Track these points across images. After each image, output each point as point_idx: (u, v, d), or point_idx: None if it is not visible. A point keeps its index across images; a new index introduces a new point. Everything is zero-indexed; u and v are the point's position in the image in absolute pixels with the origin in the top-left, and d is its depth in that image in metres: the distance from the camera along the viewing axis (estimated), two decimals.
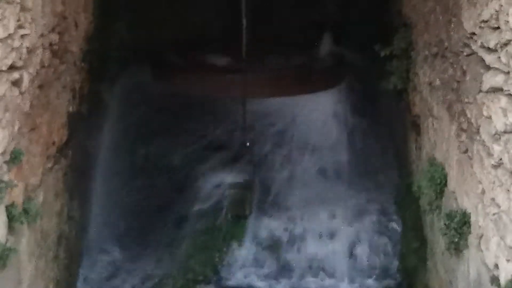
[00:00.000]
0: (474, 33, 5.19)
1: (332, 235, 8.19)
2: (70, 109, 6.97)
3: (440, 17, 6.25)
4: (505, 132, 4.53)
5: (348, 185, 8.72)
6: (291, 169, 8.79)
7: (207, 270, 7.94)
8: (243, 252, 8.16)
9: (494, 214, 4.76)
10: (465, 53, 5.44)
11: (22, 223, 5.38)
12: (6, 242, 5.04)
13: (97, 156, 8.10)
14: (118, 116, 8.50)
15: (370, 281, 8.00)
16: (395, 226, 8.19)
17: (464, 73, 5.49)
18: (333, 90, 9.15)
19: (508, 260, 4.48)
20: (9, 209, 5.14)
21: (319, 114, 9.04)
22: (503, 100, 4.55)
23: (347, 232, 8.23)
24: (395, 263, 8.04)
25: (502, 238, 4.59)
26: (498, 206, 4.67)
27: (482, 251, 5.01)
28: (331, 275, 7.98)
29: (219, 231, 8.29)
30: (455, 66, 5.78)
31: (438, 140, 6.39)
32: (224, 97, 8.90)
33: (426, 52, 6.87)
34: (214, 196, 8.48)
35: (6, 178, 5.03)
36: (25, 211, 5.47)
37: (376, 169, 8.70)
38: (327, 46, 9.64)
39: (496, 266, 4.70)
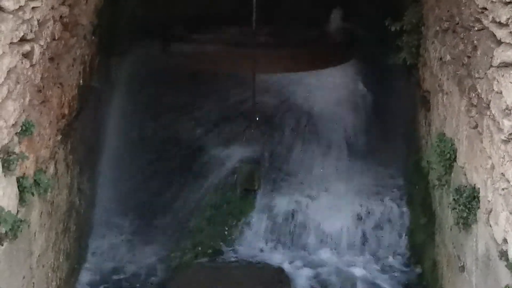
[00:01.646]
0: (485, 8, 5.18)
1: (339, 210, 8.16)
2: (81, 82, 6.98)
3: None
4: None
5: (356, 160, 8.70)
6: (300, 144, 8.77)
7: (216, 243, 7.95)
8: (253, 225, 8.16)
9: (503, 189, 4.76)
10: (476, 28, 5.43)
11: (33, 195, 5.39)
12: (17, 214, 5.05)
13: (107, 129, 8.13)
14: (127, 90, 8.51)
15: (378, 256, 7.99)
16: (404, 201, 8.17)
17: (475, 48, 5.47)
18: (342, 66, 9.14)
19: None
20: (20, 180, 5.14)
21: (329, 89, 9.02)
22: None
23: (355, 207, 8.20)
24: (404, 238, 8.04)
25: (510, 212, 4.59)
26: (508, 181, 4.67)
27: (490, 226, 5.02)
28: (339, 249, 7.99)
29: (229, 205, 8.30)
30: (466, 41, 5.76)
31: (448, 115, 6.39)
32: (234, 72, 8.88)
33: (437, 27, 6.85)
34: (224, 170, 8.47)
35: (17, 150, 5.03)
36: (36, 183, 5.49)
37: (385, 144, 8.67)
38: (337, 22, 9.64)
39: (505, 240, 4.71)
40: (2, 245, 4.81)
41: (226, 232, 8.07)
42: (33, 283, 5.67)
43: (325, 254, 7.92)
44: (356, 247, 8.05)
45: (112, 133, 8.17)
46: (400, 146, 8.38)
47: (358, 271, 7.70)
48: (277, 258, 7.84)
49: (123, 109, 8.37)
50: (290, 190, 8.42)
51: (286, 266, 7.62)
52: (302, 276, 7.54)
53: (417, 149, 7.67)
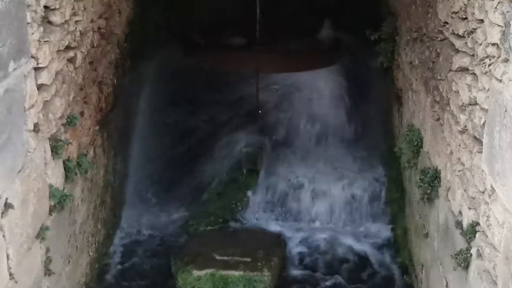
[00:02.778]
0: (446, 22, 5.23)
1: (329, 186, 8.14)
2: (115, 81, 7.00)
3: (420, 8, 6.24)
4: (469, 104, 4.59)
5: (343, 146, 8.65)
6: (296, 132, 8.73)
7: (226, 214, 7.94)
8: (256, 199, 8.14)
9: (459, 171, 4.83)
10: (439, 38, 5.47)
11: (76, 174, 5.50)
12: (63, 190, 5.16)
13: (136, 120, 8.11)
14: (153, 87, 8.45)
15: (362, 224, 7.97)
16: (381, 179, 8.14)
17: (438, 55, 5.51)
18: (331, 67, 9.05)
19: (469, 208, 4.55)
20: (65, 162, 5.24)
21: (319, 87, 8.94)
22: (469, 78, 4.60)
23: (342, 184, 8.17)
24: (382, 210, 8.01)
25: (465, 190, 4.66)
26: (463, 164, 4.73)
27: (449, 201, 5.09)
28: (327, 218, 7.96)
29: (236, 182, 8.30)
30: (431, 49, 5.79)
31: (416, 109, 6.41)
32: (241, 72, 8.81)
33: (408, 37, 6.86)
34: (232, 153, 8.46)
35: (63, 137, 5.14)
36: (79, 165, 5.58)
37: (367, 133, 8.60)
38: (327, 30, 9.57)
39: (460, 213, 4.78)
40: (52, 215, 4.93)
41: (233, 205, 8.06)
42: (76, 246, 5.77)
43: (315, 223, 7.90)
44: (341, 217, 7.99)
45: (140, 123, 8.16)
46: (378, 134, 8.32)
47: (343, 237, 7.68)
48: (275, 225, 7.84)
49: (150, 103, 8.34)
50: (287, 170, 8.38)
51: (282, 232, 7.62)
52: (295, 239, 7.54)
53: (392, 137, 7.68)
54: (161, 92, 8.50)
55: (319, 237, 7.67)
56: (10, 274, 4.12)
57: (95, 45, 6.11)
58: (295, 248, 7.41)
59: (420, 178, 5.80)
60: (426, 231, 5.89)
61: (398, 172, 7.23)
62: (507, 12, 3.76)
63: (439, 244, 5.43)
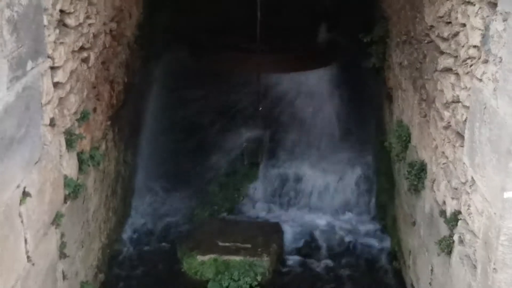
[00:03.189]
0: (432, 26, 5.26)
1: (323, 178, 8.17)
2: (125, 80, 7.03)
3: (408, 13, 6.27)
4: (453, 102, 4.64)
5: (337, 141, 8.64)
6: (293, 128, 8.73)
7: (228, 204, 7.98)
8: (256, 190, 8.20)
9: (443, 163, 4.88)
10: (426, 41, 5.50)
11: (89, 165, 5.53)
12: (77, 180, 5.21)
13: (145, 116, 8.13)
14: (161, 86, 8.47)
15: (354, 213, 8.01)
16: (373, 172, 8.15)
17: (424, 56, 5.55)
18: (328, 67, 9.00)
19: (452, 198, 4.61)
20: (79, 155, 5.29)
21: (316, 86, 8.90)
22: (452, 78, 4.65)
23: (336, 176, 8.21)
24: (373, 201, 8.05)
25: (448, 181, 4.72)
26: (447, 157, 4.79)
27: (434, 191, 5.15)
28: (321, 208, 8.01)
29: (238, 174, 8.33)
30: (418, 50, 5.82)
31: (405, 107, 6.44)
32: (243, 72, 8.80)
33: (398, 39, 6.88)
34: (234, 147, 8.48)
35: (77, 131, 5.18)
36: (91, 157, 5.61)
37: (359, 129, 8.57)
38: (323, 33, 9.53)
39: (444, 202, 4.84)
40: (66, 203, 4.98)
41: (235, 195, 8.09)
42: (89, 232, 5.80)
43: (311, 212, 7.94)
44: (335, 207, 8.05)
45: (149, 119, 8.17)
46: (370, 130, 8.33)
47: (336, 225, 7.72)
48: (275, 214, 7.90)
49: (158, 100, 8.35)
50: (285, 163, 8.42)
51: (281, 220, 7.65)
52: (292, 227, 7.57)
53: (382, 133, 7.68)
54: (169, 90, 8.49)
55: (314, 225, 7.71)
56: (28, 257, 4.18)
57: (107, 46, 6.14)
58: (291, 235, 7.43)
59: (407, 171, 5.84)
60: (413, 219, 5.94)
61: (388, 165, 7.24)
62: (487, 16, 3.82)
63: (425, 231, 5.48)
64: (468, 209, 4.21)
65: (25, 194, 4.06)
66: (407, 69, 6.36)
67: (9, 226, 3.84)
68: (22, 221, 4.04)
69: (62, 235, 4.88)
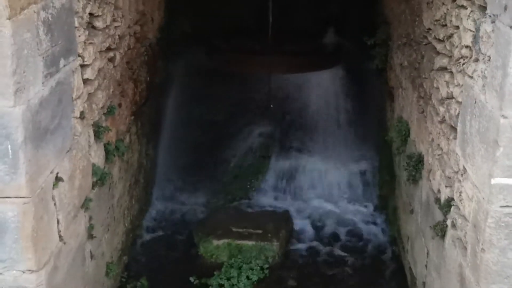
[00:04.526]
0: (430, 29, 5.34)
1: (329, 171, 8.28)
2: (147, 79, 7.13)
3: (408, 17, 6.35)
4: (447, 98, 4.73)
5: (342, 137, 8.72)
6: (301, 124, 8.83)
7: (241, 193, 8.09)
8: (267, 181, 8.29)
9: (438, 155, 4.97)
10: (424, 43, 5.58)
11: (114, 156, 5.66)
12: (104, 168, 5.33)
13: (166, 112, 8.23)
14: (180, 85, 8.54)
15: (358, 204, 8.09)
16: (375, 165, 8.23)
17: (422, 57, 5.63)
18: (334, 69, 9.03)
19: (446, 186, 4.70)
20: (106, 146, 5.41)
21: (323, 85, 8.96)
22: (447, 76, 4.74)
23: (340, 169, 8.31)
24: (376, 192, 8.13)
25: (443, 171, 4.81)
26: (441, 149, 4.88)
27: (430, 181, 5.23)
28: (327, 198, 8.10)
29: (250, 166, 8.42)
30: (417, 52, 5.90)
31: (405, 104, 6.52)
32: (255, 72, 8.86)
33: (399, 42, 6.95)
34: (247, 142, 8.59)
35: (104, 124, 5.30)
36: (117, 148, 5.74)
37: (363, 125, 8.64)
38: (330, 36, 9.56)
39: (439, 190, 4.93)
40: (94, 189, 5.10)
41: (248, 186, 8.18)
42: (114, 217, 5.93)
43: (317, 202, 8.03)
44: (340, 197, 8.14)
45: (169, 115, 8.27)
46: (373, 126, 8.39)
47: (341, 214, 7.83)
48: (284, 203, 7.99)
49: (177, 98, 8.44)
50: (294, 157, 8.51)
51: (290, 209, 7.74)
52: (300, 215, 7.69)
53: (384, 129, 7.74)
54: (187, 89, 8.57)
55: (320, 214, 7.80)
56: (60, 236, 4.31)
57: (131, 47, 6.25)
58: (300, 222, 7.55)
59: (406, 162, 5.92)
60: (412, 208, 6.02)
61: (389, 159, 7.32)
62: (478, 19, 3.92)
63: (421, 218, 5.57)
64: (460, 195, 4.31)
65: (58, 179, 4.20)
66: (407, 69, 6.44)
67: (44, 207, 3.98)
68: (55, 204, 4.18)
69: (90, 218, 5.02)
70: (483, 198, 3.74)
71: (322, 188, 8.26)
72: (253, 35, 9.04)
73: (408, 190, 6.18)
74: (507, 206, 3.63)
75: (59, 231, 4.29)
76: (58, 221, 4.26)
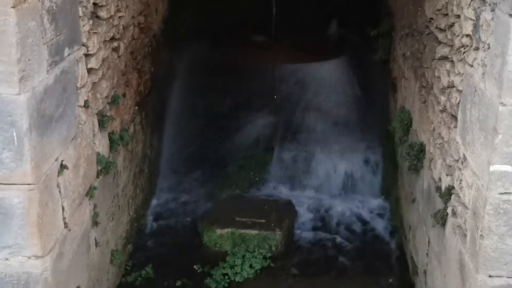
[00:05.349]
0: (432, 18, 5.36)
1: (332, 161, 8.25)
2: (152, 70, 7.15)
3: (411, 7, 6.36)
4: (448, 87, 4.75)
5: (346, 126, 8.72)
6: (305, 115, 8.83)
7: (245, 184, 8.09)
8: (271, 171, 8.30)
9: (440, 144, 4.99)
10: (426, 33, 5.60)
11: (118, 145, 5.67)
12: (108, 157, 5.37)
13: (169, 103, 8.22)
14: (184, 76, 8.55)
15: (361, 194, 8.07)
16: (379, 155, 8.23)
17: (424, 46, 5.65)
18: (337, 60, 9.07)
19: (447, 175, 4.73)
20: (110, 135, 5.44)
21: (326, 76, 8.97)
22: (448, 65, 4.76)
23: (344, 159, 8.29)
24: (379, 182, 8.12)
25: (444, 160, 4.83)
26: (442, 138, 4.90)
27: (431, 170, 5.25)
28: (330, 188, 8.09)
29: (254, 157, 8.45)
30: (419, 42, 5.92)
31: (407, 94, 6.54)
32: (259, 64, 8.89)
33: (402, 33, 6.97)
34: (251, 133, 8.61)
35: (108, 114, 5.33)
36: (121, 137, 5.75)
37: (367, 116, 8.63)
38: (333, 28, 9.61)
39: (440, 179, 4.95)
40: (99, 177, 5.13)
41: (252, 176, 8.20)
42: (119, 205, 5.97)
43: (320, 192, 8.03)
44: (343, 188, 8.11)
45: (173, 106, 8.26)
46: (377, 117, 8.38)
47: (344, 204, 7.82)
48: (287, 193, 7.99)
49: (181, 89, 8.44)
50: (298, 147, 8.53)
51: (293, 199, 7.74)
52: (303, 205, 7.69)
53: (387, 119, 7.78)
54: (191, 80, 8.57)
55: (324, 204, 7.80)
56: (65, 223, 4.36)
57: (135, 38, 6.27)
58: (303, 212, 7.56)
59: (408, 152, 5.94)
60: (413, 197, 6.04)
61: (392, 150, 7.34)
62: (478, 8, 3.93)
63: (423, 207, 5.60)
64: (460, 183, 4.34)
65: (63, 167, 4.24)
66: (409, 59, 6.46)
67: (49, 194, 4.03)
68: (59, 191, 4.22)
69: (95, 206, 5.05)
70: (482, 185, 3.77)
71: (326, 178, 8.23)
72: (256, 28, 9.05)
73: (410, 179, 6.20)
74: (506, 193, 3.65)
75: (64, 218, 4.33)
76: (63, 208, 4.30)
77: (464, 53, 4.27)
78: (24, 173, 3.75)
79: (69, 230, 4.44)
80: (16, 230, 3.86)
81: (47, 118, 3.95)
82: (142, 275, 6.24)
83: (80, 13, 4.48)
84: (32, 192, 3.81)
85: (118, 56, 5.62)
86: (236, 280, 6.27)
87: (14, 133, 3.66)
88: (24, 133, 3.67)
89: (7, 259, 3.93)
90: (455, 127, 4.48)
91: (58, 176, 4.18)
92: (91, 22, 4.75)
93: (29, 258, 3.95)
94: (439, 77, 4.99)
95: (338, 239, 7.13)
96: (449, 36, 4.74)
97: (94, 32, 4.82)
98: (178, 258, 6.68)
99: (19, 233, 3.87)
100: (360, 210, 7.78)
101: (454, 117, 4.54)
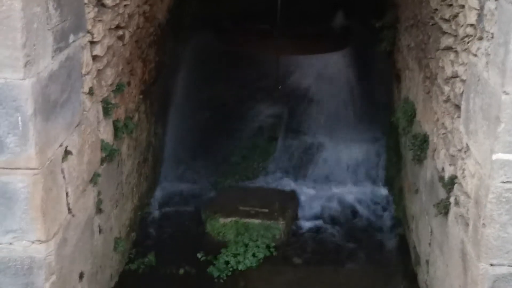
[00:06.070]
0: (436, 9, 5.34)
1: (337, 151, 8.27)
2: (157, 59, 7.16)
3: None
4: (452, 77, 4.75)
5: (351, 117, 8.68)
6: (309, 105, 8.79)
7: (249, 173, 8.12)
8: (274, 162, 8.31)
9: (443, 134, 5.00)
10: (430, 23, 5.58)
11: (123, 133, 5.70)
12: (112, 145, 5.39)
13: (174, 92, 8.24)
14: (189, 66, 8.55)
15: (364, 184, 8.08)
16: (383, 146, 8.21)
17: (429, 37, 5.63)
18: (342, 51, 9.01)
19: (450, 165, 4.74)
20: (115, 123, 5.46)
21: (332, 67, 8.94)
22: (452, 55, 4.76)
23: (348, 149, 8.29)
24: (382, 173, 8.14)
25: (447, 149, 4.84)
26: (446, 128, 4.91)
27: (434, 160, 5.26)
28: (334, 178, 8.10)
29: (258, 147, 8.45)
30: (423, 32, 5.90)
31: (411, 85, 6.53)
32: (264, 54, 8.88)
33: (406, 24, 6.95)
34: (255, 123, 8.60)
35: (113, 101, 5.34)
36: (125, 125, 5.78)
37: (371, 107, 8.59)
38: (339, 20, 9.57)
39: (443, 169, 4.96)
40: (103, 164, 5.16)
41: (256, 166, 8.22)
42: (123, 193, 5.99)
43: (324, 182, 8.04)
44: (347, 178, 8.11)
45: (178, 95, 8.28)
46: (380, 108, 8.36)
47: (348, 195, 7.82)
48: (290, 183, 8.00)
49: (186, 79, 8.44)
50: (301, 138, 8.52)
51: (296, 189, 7.78)
52: (306, 195, 7.71)
53: (392, 110, 7.76)
54: (196, 70, 8.57)
55: (327, 194, 7.81)
56: (69, 209, 4.38)
57: (140, 27, 6.27)
58: (306, 202, 7.58)
59: (411, 142, 5.95)
60: (417, 187, 6.05)
61: (396, 140, 7.34)
62: None
63: (426, 197, 5.61)
64: (463, 173, 4.35)
65: (67, 153, 4.26)
66: (413, 50, 6.44)
67: (53, 179, 4.05)
68: (64, 177, 4.24)
69: (99, 193, 5.07)
70: (485, 174, 3.77)
71: (330, 169, 8.24)
72: (262, 18, 9.03)
73: (413, 170, 6.21)
74: (508, 181, 3.66)
75: (68, 204, 4.35)
76: (67, 194, 4.32)
77: (468, 43, 4.27)
78: (29, 157, 3.77)
79: (73, 215, 4.46)
80: (20, 214, 3.89)
81: (52, 104, 3.96)
82: (145, 263, 6.27)
83: (85, 0, 4.49)
84: (36, 176, 3.83)
85: (123, 45, 5.63)
86: (239, 268, 6.30)
87: (19, 118, 3.68)
88: (28, 118, 3.68)
89: (10, 243, 3.96)
90: (459, 117, 4.49)
91: (62, 161, 4.20)
92: (96, 9, 4.75)
93: (33, 242, 3.97)
94: (443, 68, 4.99)
95: (341, 229, 7.15)
96: (453, 26, 4.73)
97: (99, 20, 4.82)
98: (181, 246, 6.71)
99: (23, 218, 3.89)
100: (364, 200, 7.79)
101: (458, 107, 4.55)
